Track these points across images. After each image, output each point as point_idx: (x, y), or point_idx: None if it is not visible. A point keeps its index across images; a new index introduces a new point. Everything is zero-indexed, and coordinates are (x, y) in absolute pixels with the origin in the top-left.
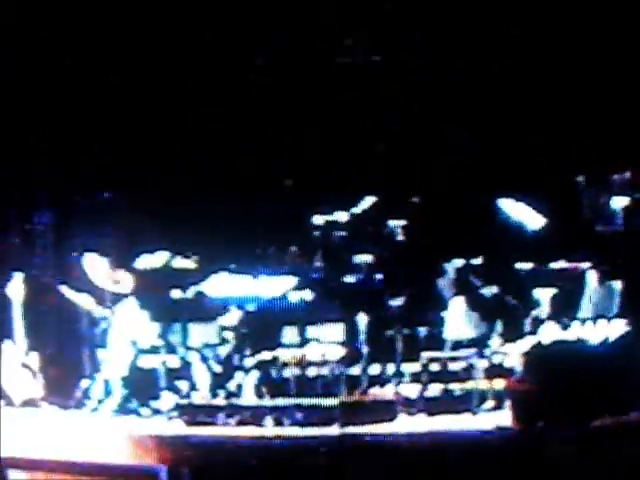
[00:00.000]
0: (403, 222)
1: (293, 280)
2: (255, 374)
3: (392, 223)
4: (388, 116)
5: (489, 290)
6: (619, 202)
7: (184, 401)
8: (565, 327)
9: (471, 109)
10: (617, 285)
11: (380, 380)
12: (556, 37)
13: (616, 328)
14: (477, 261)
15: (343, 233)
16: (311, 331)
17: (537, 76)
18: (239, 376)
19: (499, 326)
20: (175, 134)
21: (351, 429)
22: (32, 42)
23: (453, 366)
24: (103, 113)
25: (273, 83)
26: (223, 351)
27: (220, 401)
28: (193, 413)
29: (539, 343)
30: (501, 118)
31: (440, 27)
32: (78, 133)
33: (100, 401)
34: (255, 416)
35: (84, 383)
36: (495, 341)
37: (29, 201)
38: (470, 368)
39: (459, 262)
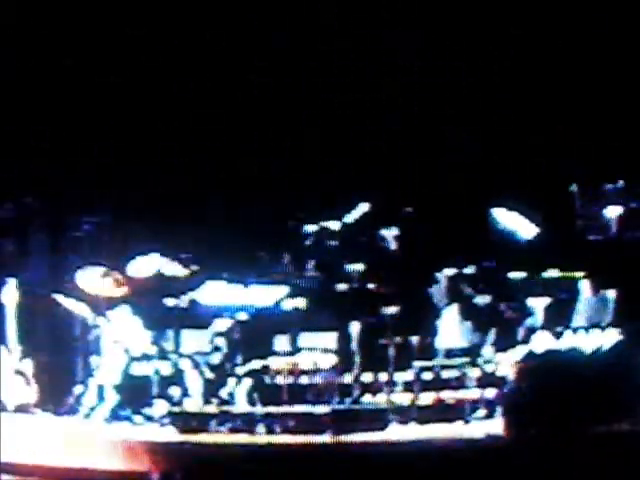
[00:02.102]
0: (396, 231)
1: (286, 288)
2: (247, 382)
3: (385, 232)
4: (382, 127)
5: (482, 299)
6: (612, 212)
7: (176, 408)
8: (558, 336)
9: (466, 121)
10: (610, 294)
11: (372, 388)
12: (555, 46)
13: (609, 337)
14: (470, 270)
15: (336, 242)
16: (304, 339)
17: (532, 87)
18: (231, 383)
19: (492, 335)
20: (174, 140)
21: (343, 437)
22: (32, 42)
23: (445, 375)
24: (102, 118)
25: (272, 84)
26: (216, 359)
27: (212, 408)
28: (185, 420)
29: (532, 352)
30: (496, 130)
31: (440, 27)
32: (77, 140)
33: (93, 408)
34: (247, 423)
35: (77, 390)
36: (488, 350)
37: (24, 207)
38: (462, 377)
39: (452, 271)
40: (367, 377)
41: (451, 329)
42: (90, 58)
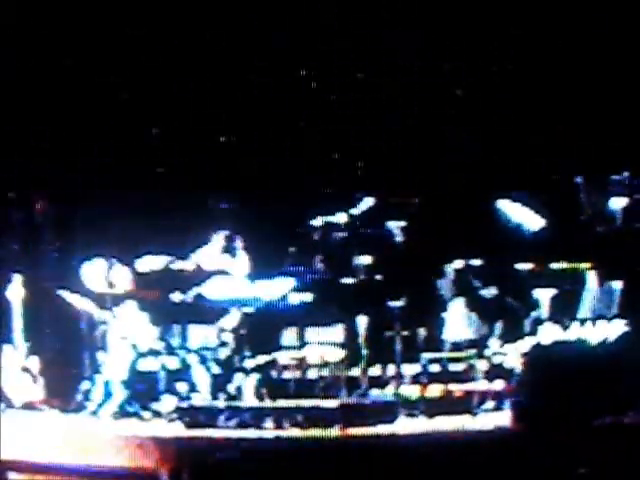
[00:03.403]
0: (402, 223)
1: (293, 282)
2: (255, 376)
3: (391, 224)
4: (387, 119)
5: (489, 291)
6: (618, 203)
7: (184, 403)
8: (565, 328)
9: (471, 111)
10: (617, 286)
11: (380, 381)
12: (556, 39)
13: (615, 328)
14: (477, 262)
15: (343, 235)
16: (311, 333)
17: (537, 78)
18: (239, 378)
19: (499, 327)
20: (174, 137)
21: (351, 430)
22: (32, 42)
23: (453, 367)
24: (104, 116)
25: (273, 84)
26: (223, 353)
27: (220, 403)
28: (193, 415)
29: (539, 344)
30: (501, 120)
31: (440, 27)
32: (79, 137)
33: (100, 404)
34: (255, 418)
35: (84, 386)
36: (495, 342)
37: (30, 204)
38: (470, 369)
39: (459, 263)
40: (375, 370)
41: (458, 321)
42: (88, 58)
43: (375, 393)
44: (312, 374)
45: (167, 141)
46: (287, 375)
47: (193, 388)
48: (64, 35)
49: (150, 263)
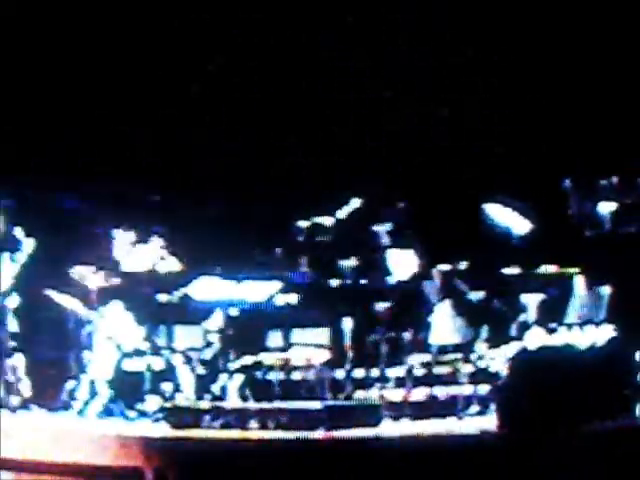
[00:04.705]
0: (389, 226)
1: (278, 284)
2: (240, 377)
3: (378, 227)
4: (375, 121)
5: (475, 295)
6: (606, 207)
7: (169, 403)
8: (552, 332)
9: (459, 115)
10: (604, 290)
11: (365, 384)
12: (547, 44)
13: (603, 333)
14: (463, 266)
15: (328, 237)
16: (296, 335)
17: (526, 80)
18: (224, 379)
19: (485, 331)
20: (168, 139)
21: (336, 433)
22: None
23: (438, 370)
24: (101, 120)
25: (263, 85)
26: (208, 354)
27: (205, 404)
28: (178, 415)
29: (525, 348)
30: (489, 124)
31: (436, 28)
32: (75, 139)
33: (86, 403)
34: (240, 419)
35: (69, 385)
36: (481, 346)
37: (22, 202)
38: (455, 373)
39: (445, 266)
40: (359, 373)
41: (444, 325)
42: (87, 59)
43: (360, 395)
44: (297, 376)
45: (158, 145)
46: (272, 376)
47: (178, 388)
48: (61, 35)
49: (137, 263)
